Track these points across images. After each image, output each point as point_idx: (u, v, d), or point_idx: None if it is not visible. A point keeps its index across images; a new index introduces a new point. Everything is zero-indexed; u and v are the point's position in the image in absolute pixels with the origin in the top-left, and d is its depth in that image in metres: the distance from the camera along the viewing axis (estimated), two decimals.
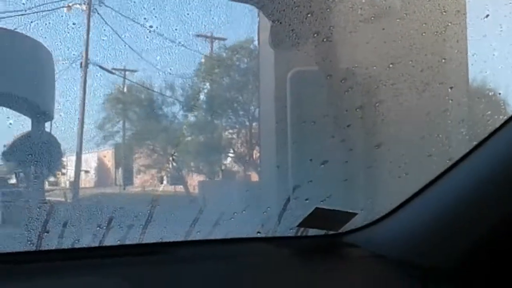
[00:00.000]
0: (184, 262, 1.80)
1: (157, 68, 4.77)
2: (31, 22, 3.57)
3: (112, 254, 1.83)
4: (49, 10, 3.77)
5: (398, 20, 3.00)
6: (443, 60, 3.00)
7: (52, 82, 4.12)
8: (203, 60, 5.79)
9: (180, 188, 6.06)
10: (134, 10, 4.08)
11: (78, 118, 4.59)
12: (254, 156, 5.89)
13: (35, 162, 3.99)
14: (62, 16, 3.97)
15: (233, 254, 1.91)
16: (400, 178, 2.70)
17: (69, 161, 5.24)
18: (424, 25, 2.89)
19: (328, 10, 2.92)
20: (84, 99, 4.43)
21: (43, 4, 3.68)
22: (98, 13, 4.42)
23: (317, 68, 3.25)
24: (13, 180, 4.79)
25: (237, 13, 4.36)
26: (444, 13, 2.88)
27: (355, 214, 2.02)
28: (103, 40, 4.27)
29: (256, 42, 4.80)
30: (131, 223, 2.28)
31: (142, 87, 5.79)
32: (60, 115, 4.02)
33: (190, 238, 2.23)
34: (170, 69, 4.81)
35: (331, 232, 2.05)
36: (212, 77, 6.09)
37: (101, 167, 6.32)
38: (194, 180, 6.09)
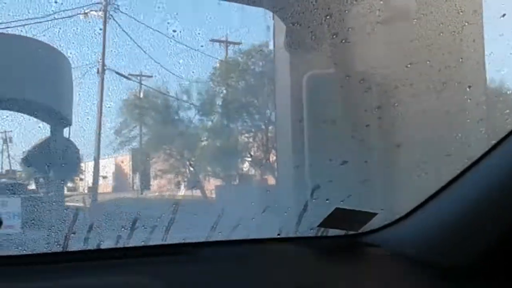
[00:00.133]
0: (206, 262, 1.81)
1: (173, 73, 4.81)
2: (48, 28, 3.62)
3: (136, 255, 1.85)
4: (65, 17, 3.81)
5: (415, 20, 3.01)
6: (461, 60, 3.00)
7: (70, 88, 4.16)
8: (218, 65, 5.82)
9: (198, 192, 6.07)
10: (150, 16, 4.13)
11: (96, 124, 4.64)
12: (271, 159, 5.90)
13: (54, 168, 4.04)
14: (78, 23, 4.02)
15: (254, 254, 1.93)
16: (419, 177, 2.70)
17: (88, 166, 5.28)
18: (441, 25, 2.89)
19: (346, 12, 2.94)
20: (101, 105, 4.48)
21: (60, 11, 3.72)
22: (114, 19, 4.47)
23: (333, 71, 3.26)
24: (33, 186, 4.85)
25: (252, 17, 4.39)
26: (460, 13, 2.88)
27: (375, 214, 2.02)
28: (119, 46, 4.32)
29: (271, 46, 4.81)
30: (154, 225, 2.30)
31: (158, 92, 5.83)
32: (78, 121, 4.05)
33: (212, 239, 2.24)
34: (186, 74, 4.86)
35: (351, 232, 2.05)
36: (228, 81, 6.12)
37: (118, 172, 6.36)
38: (212, 185, 6.11)
